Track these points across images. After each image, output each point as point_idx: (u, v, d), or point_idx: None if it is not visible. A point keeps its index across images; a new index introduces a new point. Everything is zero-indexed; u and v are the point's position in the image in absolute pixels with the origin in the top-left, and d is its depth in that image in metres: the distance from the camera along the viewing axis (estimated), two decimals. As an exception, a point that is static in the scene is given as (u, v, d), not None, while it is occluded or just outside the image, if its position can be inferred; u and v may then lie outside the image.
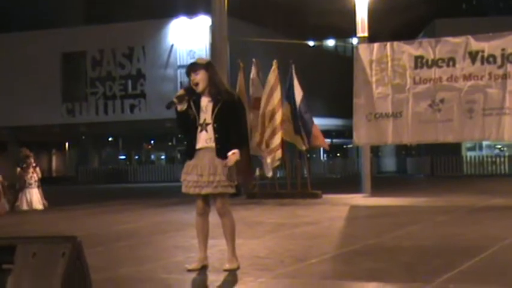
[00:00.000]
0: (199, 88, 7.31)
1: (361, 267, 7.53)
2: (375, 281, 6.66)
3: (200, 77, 7.31)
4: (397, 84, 17.62)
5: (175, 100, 7.29)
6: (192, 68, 7.40)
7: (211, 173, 7.20)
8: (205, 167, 7.22)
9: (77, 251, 4.52)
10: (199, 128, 7.29)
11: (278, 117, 18.66)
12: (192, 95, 7.35)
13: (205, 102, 7.32)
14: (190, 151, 7.35)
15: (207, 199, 7.39)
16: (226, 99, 7.28)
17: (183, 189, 7.41)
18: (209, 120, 7.26)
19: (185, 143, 7.55)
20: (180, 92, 7.36)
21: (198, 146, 7.28)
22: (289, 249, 9.05)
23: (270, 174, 18.86)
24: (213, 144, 7.23)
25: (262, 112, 18.82)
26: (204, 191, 7.25)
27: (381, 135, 17.99)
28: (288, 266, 7.61)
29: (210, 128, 7.25)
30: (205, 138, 7.26)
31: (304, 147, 19.55)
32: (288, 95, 19.46)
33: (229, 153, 7.15)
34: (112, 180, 41.90)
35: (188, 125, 7.35)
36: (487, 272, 7.06)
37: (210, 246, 7.56)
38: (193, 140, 7.31)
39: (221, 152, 7.20)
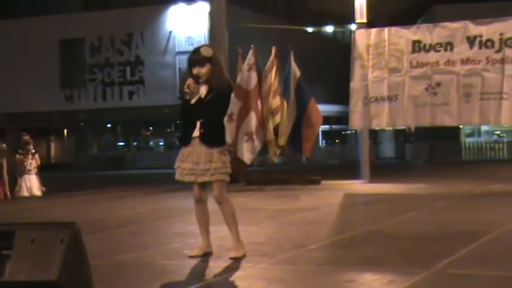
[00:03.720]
0: (202, 80, 7.22)
1: (360, 253, 7.55)
2: (373, 267, 6.67)
3: (205, 71, 7.19)
4: (393, 67, 17.60)
5: (186, 90, 7.21)
6: (198, 60, 7.24)
7: (207, 160, 7.16)
8: (200, 154, 7.18)
9: (75, 237, 4.53)
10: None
11: (271, 104, 18.42)
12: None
13: (203, 92, 7.24)
14: (186, 138, 7.30)
15: (203, 186, 7.36)
16: (218, 88, 7.23)
17: (177, 176, 7.36)
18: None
19: (182, 130, 7.51)
20: (190, 80, 7.20)
21: (194, 134, 7.23)
22: (288, 235, 9.06)
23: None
24: None
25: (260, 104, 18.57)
26: (200, 179, 7.22)
27: (377, 118, 17.97)
28: (287, 252, 7.62)
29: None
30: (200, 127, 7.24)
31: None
32: (285, 87, 19.22)
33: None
34: (111, 167, 41.91)
35: (190, 113, 7.29)
36: (485, 257, 7.07)
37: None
38: (191, 128, 7.25)
39: (204, 137, 7.15)
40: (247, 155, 17.64)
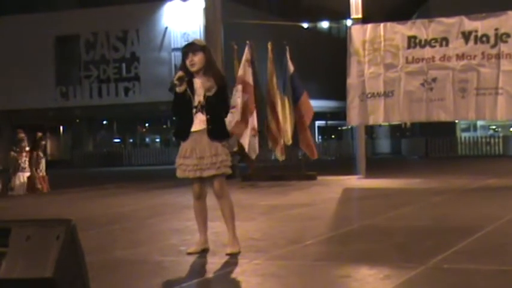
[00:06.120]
0: (195, 68, 7.23)
1: (355, 248, 7.55)
2: (369, 262, 6.67)
3: (198, 58, 7.23)
4: (389, 63, 17.62)
5: (176, 82, 7.22)
6: (191, 48, 7.31)
7: (213, 154, 7.14)
8: (204, 149, 7.16)
9: (71, 234, 4.51)
10: (194, 110, 7.24)
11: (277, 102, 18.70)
12: (188, 76, 7.31)
13: (198, 84, 7.25)
14: (185, 133, 7.27)
15: (203, 182, 7.34)
16: (218, 83, 7.28)
17: (180, 174, 7.29)
18: (202, 102, 7.22)
19: (177, 124, 7.53)
20: (180, 73, 7.23)
21: (194, 128, 7.21)
22: (283, 231, 9.06)
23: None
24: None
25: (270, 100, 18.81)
26: (206, 173, 7.17)
27: (373, 115, 17.99)
28: (282, 247, 7.63)
29: (204, 109, 7.23)
30: (200, 121, 7.20)
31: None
32: (283, 84, 19.35)
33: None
34: (107, 164, 41.87)
35: (184, 106, 7.28)
36: (481, 252, 7.08)
37: (205, 228, 7.56)
38: (188, 122, 7.24)
39: (212, 133, 7.17)
40: (254, 150, 18.11)
